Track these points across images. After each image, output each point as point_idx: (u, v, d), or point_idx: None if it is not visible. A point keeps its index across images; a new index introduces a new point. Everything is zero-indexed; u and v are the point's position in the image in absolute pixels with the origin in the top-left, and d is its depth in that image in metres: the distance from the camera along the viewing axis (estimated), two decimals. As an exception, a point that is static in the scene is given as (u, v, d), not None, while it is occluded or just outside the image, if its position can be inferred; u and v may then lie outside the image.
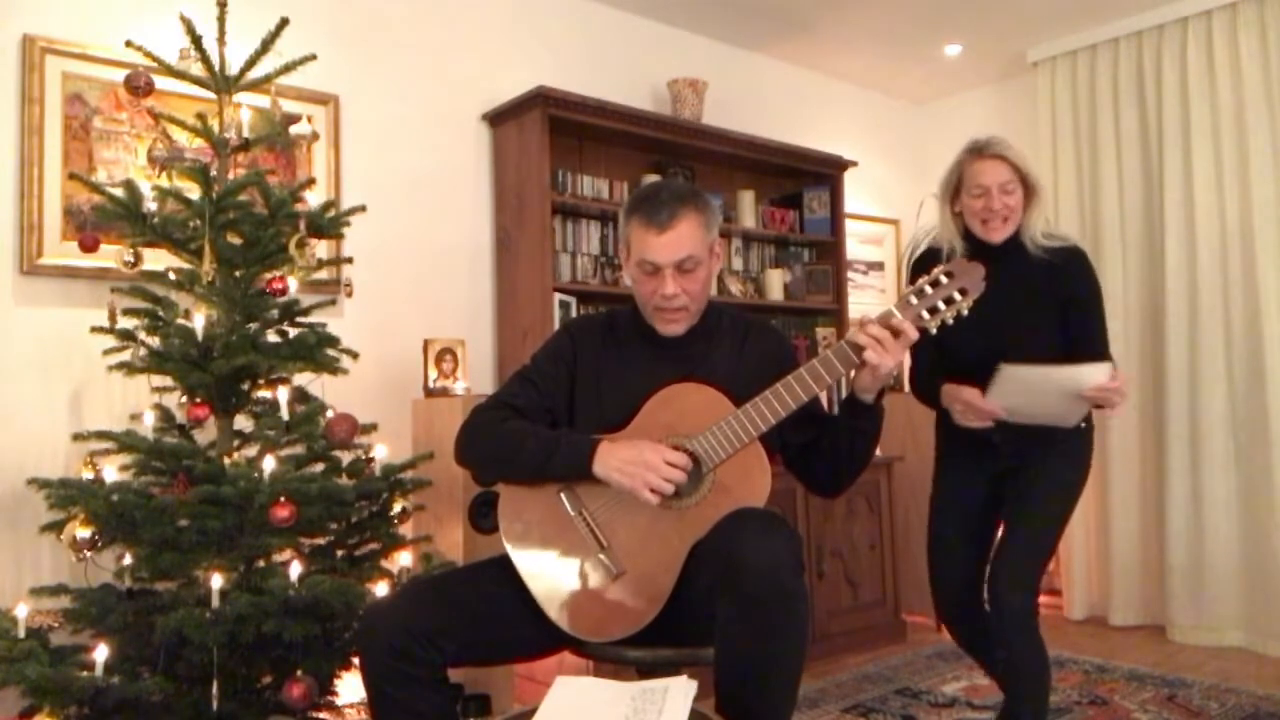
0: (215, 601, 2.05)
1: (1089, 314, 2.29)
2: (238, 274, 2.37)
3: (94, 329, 2.35)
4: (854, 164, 4.45)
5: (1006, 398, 2.17)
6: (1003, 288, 1.93)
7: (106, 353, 2.36)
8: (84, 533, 2.16)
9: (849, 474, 1.84)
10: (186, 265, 2.36)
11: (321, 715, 2.33)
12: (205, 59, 2.38)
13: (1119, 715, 2.93)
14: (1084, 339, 2.27)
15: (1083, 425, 2.28)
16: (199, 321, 2.26)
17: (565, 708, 1.50)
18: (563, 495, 1.73)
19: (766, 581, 1.47)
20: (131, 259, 2.31)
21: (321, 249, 2.65)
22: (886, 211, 5.12)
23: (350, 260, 2.73)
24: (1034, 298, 2.24)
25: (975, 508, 2.37)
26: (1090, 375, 2.11)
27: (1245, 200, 3.79)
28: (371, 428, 2.50)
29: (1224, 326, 3.83)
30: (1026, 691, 2.23)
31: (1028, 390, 2.16)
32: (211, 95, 2.44)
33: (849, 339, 1.70)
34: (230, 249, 2.33)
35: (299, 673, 2.12)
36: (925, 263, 2.46)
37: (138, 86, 2.33)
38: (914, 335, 1.68)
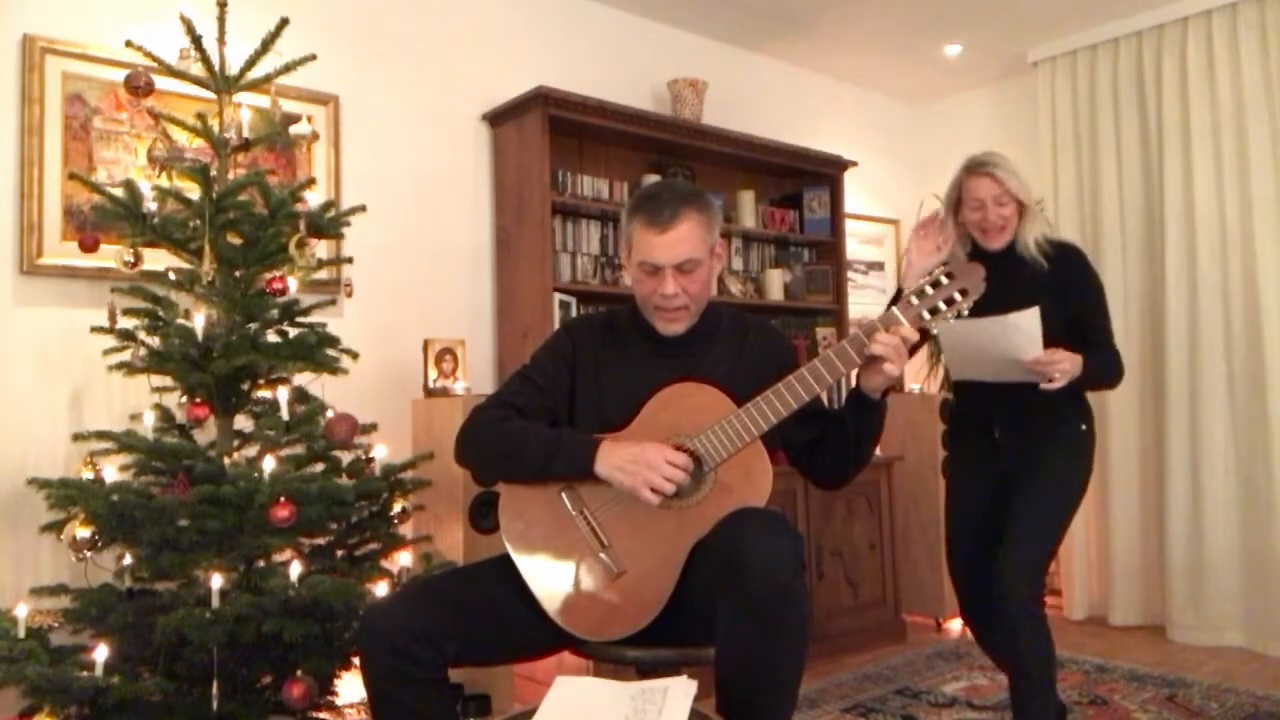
0: (215, 601, 2.05)
1: (1091, 308, 2.43)
2: (238, 274, 2.37)
3: (94, 329, 2.35)
4: (854, 164, 4.45)
5: (954, 351, 2.41)
6: (1002, 291, 2.04)
7: (106, 353, 2.36)
8: (84, 533, 2.16)
9: (855, 468, 1.87)
10: (186, 265, 2.36)
11: (321, 715, 2.33)
12: (205, 59, 2.38)
13: (1119, 715, 2.93)
14: (1088, 330, 2.40)
15: (1082, 427, 2.42)
16: (199, 321, 2.26)
17: (565, 708, 1.50)
18: (564, 494, 1.72)
19: (768, 581, 1.47)
20: (131, 259, 2.31)
21: (321, 249, 2.65)
22: (886, 211, 5.12)
23: (350, 260, 2.73)
24: (1034, 298, 2.33)
25: (984, 508, 2.47)
26: (1016, 322, 2.22)
27: (1245, 200, 3.79)
28: (371, 428, 2.50)
29: (1224, 326, 3.83)
30: (1033, 680, 2.33)
31: (969, 343, 2.33)
32: (211, 95, 2.44)
33: (851, 340, 1.72)
34: (230, 249, 2.33)
35: (299, 673, 2.12)
36: None
37: (138, 86, 2.33)
38: (915, 337, 1.73)
